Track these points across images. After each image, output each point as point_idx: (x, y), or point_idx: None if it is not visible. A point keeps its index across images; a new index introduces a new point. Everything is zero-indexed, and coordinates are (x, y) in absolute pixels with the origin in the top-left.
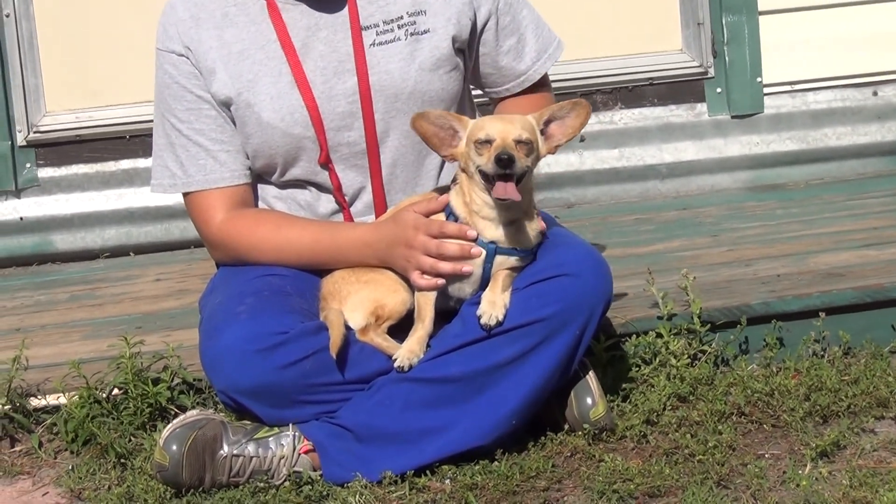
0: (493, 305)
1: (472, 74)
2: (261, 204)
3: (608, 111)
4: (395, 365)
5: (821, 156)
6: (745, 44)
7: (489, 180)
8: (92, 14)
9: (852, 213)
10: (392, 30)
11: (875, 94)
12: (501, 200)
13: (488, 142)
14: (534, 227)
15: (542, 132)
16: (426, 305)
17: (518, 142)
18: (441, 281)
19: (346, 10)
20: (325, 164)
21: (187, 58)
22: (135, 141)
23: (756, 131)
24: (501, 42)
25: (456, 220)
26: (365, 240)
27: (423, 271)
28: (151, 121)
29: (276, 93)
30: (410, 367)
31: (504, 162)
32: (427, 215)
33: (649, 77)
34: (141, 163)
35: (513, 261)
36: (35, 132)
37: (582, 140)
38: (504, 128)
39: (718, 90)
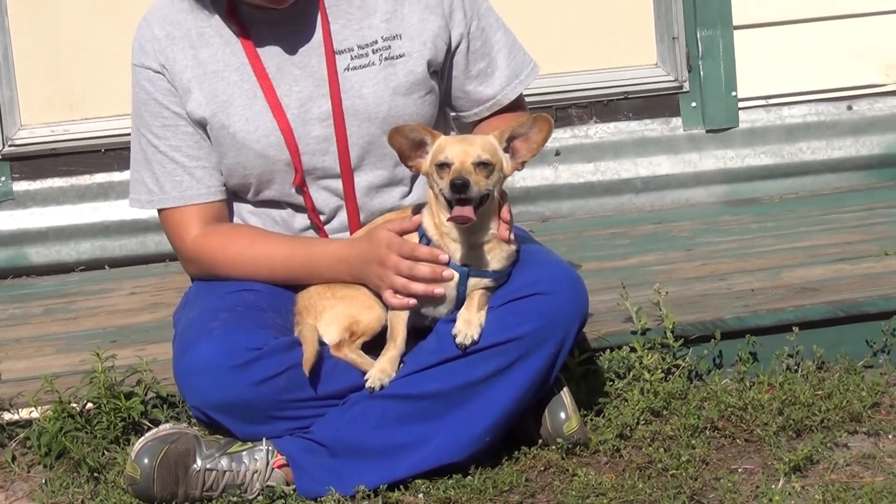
0: (469, 325)
1: (442, 97)
2: (236, 219)
3: (583, 125)
4: (367, 385)
5: (795, 170)
6: (720, 58)
7: (450, 204)
8: (67, 28)
9: (827, 228)
10: (367, 54)
11: (850, 108)
12: (458, 223)
13: (447, 165)
14: (505, 249)
15: (507, 150)
16: (399, 325)
17: (477, 164)
18: (413, 301)
19: (320, 33)
20: (300, 187)
21: (163, 75)
22: (110, 154)
23: (731, 145)
24: (471, 66)
25: (428, 241)
26: (339, 256)
27: (395, 290)
28: (127, 134)
29: (250, 115)
30: (381, 387)
31: (458, 187)
32: (401, 234)
33: (624, 91)
34: (116, 176)
35: (486, 282)
36: (10, 145)
37: (557, 154)
38: (463, 150)
39: (693, 104)
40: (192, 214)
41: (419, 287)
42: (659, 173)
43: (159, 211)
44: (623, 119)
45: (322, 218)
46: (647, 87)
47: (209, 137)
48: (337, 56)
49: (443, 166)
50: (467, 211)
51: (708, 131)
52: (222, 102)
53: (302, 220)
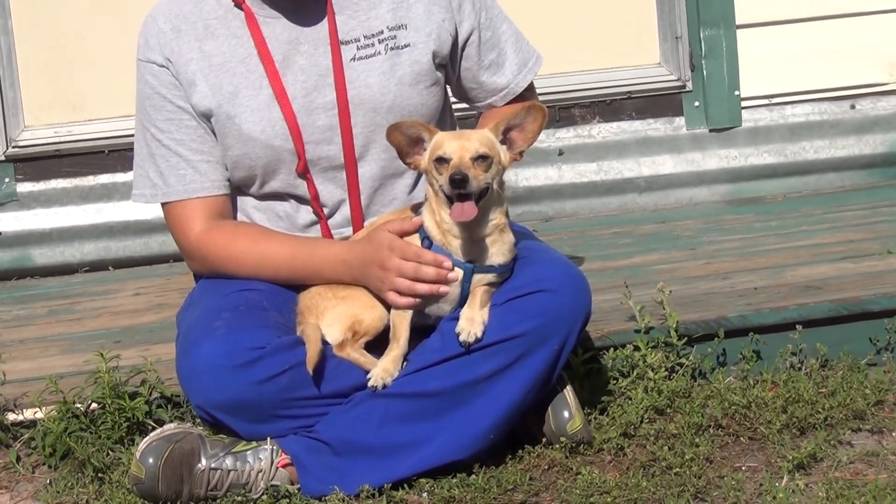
0: (472, 322)
1: (455, 89)
2: (240, 214)
3: (586, 125)
4: (369, 384)
5: (798, 169)
6: (722, 57)
7: (450, 199)
8: (70, 29)
9: (830, 226)
10: (372, 44)
11: (852, 107)
12: (461, 220)
13: (446, 160)
14: (507, 241)
15: (504, 141)
16: (401, 325)
17: (475, 158)
18: (416, 300)
19: (326, 23)
20: (303, 173)
21: (168, 69)
22: (113, 155)
23: (734, 145)
24: (483, 57)
25: (430, 242)
26: (341, 257)
27: (399, 292)
28: (130, 135)
29: (256, 105)
30: (384, 386)
31: (457, 183)
32: (401, 236)
33: (627, 91)
34: (120, 177)
35: (490, 277)
36: (14, 147)
37: (560, 154)
38: (460, 145)
39: (696, 104)
40: (195, 208)
41: (423, 288)
42: (662, 172)
43: (163, 205)
44: (626, 118)
45: (325, 211)
46: (650, 87)
47: (214, 131)
48: (343, 46)
49: (441, 162)
50: (468, 207)
51: (711, 130)
52: (228, 94)
53: (306, 213)
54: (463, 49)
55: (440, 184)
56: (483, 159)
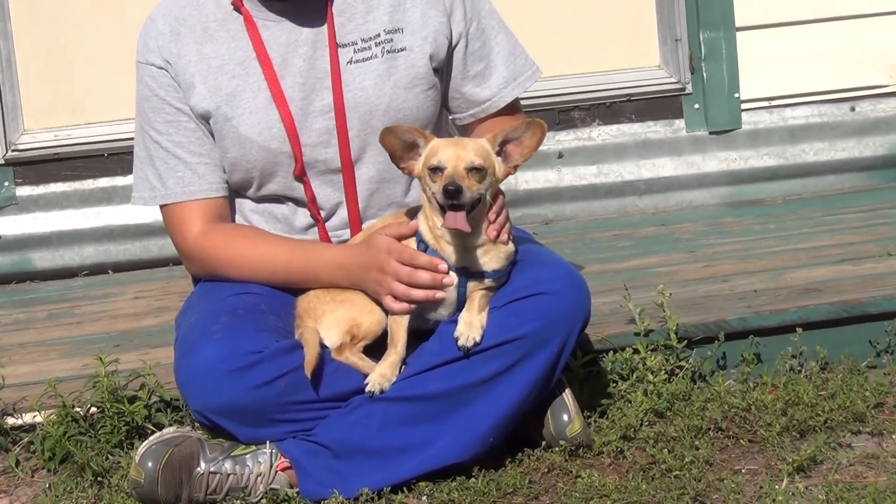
0: (470, 327)
1: (441, 97)
2: (238, 217)
3: (586, 127)
4: (366, 389)
5: (798, 171)
6: (722, 60)
7: (442, 208)
8: (70, 33)
9: (830, 229)
10: (369, 47)
11: (852, 109)
12: (451, 230)
13: (440, 169)
14: (502, 249)
15: (500, 153)
16: (399, 331)
17: (470, 169)
18: (412, 305)
19: (325, 26)
20: (300, 176)
21: (167, 71)
22: (113, 159)
23: (734, 147)
24: (469, 67)
25: (426, 247)
26: (338, 261)
27: (395, 296)
28: (130, 139)
29: (254, 108)
30: (381, 392)
31: (450, 193)
32: (398, 240)
33: (627, 93)
34: (119, 181)
35: (486, 282)
36: (13, 150)
37: (560, 156)
38: (456, 154)
39: (696, 106)
40: (194, 210)
41: (419, 293)
42: (662, 175)
43: (161, 207)
44: (626, 121)
45: (322, 214)
46: (649, 89)
47: (212, 133)
48: (340, 49)
49: (435, 170)
50: (461, 220)
51: (711, 133)
52: (226, 95)
53: (304, 216)
54: (450, 56)
55: (433, 191)
56: (477, 170)
